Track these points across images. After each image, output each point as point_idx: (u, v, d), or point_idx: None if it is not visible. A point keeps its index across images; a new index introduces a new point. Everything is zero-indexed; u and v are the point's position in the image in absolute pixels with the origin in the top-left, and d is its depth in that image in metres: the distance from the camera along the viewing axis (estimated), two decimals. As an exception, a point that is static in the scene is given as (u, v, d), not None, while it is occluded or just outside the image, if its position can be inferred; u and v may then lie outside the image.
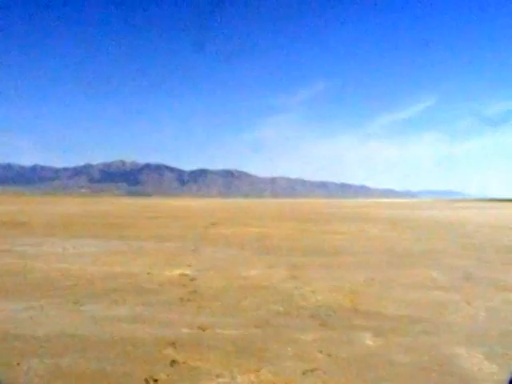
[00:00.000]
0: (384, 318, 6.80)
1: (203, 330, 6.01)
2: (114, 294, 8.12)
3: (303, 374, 4.70)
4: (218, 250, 14.38)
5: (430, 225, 30.00)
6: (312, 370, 4.76)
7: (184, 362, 4.93)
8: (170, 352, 5.20)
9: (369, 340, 5.77)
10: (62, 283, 8.98)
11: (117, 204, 75.36)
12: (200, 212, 47.38)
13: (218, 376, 4.59)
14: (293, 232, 22.33)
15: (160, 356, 5.10)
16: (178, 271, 10.32)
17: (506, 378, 4.55)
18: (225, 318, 6.66)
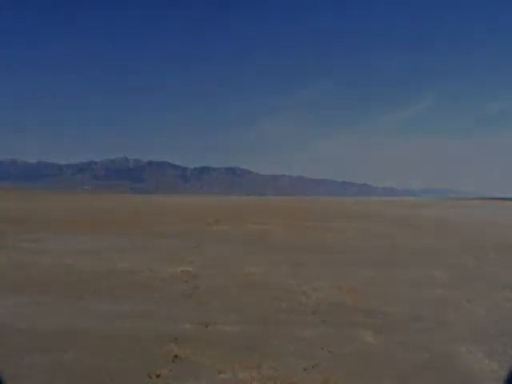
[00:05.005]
0: (385, 315, 6.83)
1: (205, 326, 6.05)
2: (117, 289, 8.18)
3: (304, 370, 4.73)
4: (220, 247, 14.43)
5: (430, 223, 29.98)
6: (313, 367, 4.80)
7: (186, 358, 4.97)
8: (172, 348, 5.25)
9: (369, 337, 5.80)
10: (66, 279, 9.04)
11: (119, 201, 75.54)
12: (203, 209, 47.45)
13: (219, 372, 4.63)
14: (295, 229, 22.36)
15: (162, 351, 5.14)
16: (180, 268, 10.37)
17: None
18: (227, 314, 6.71)
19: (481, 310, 7.13)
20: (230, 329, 6.00)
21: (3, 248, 13.18)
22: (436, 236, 20.08)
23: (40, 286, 8.31)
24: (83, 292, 7.88)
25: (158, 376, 4.51)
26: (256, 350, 5.27)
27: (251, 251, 13.65)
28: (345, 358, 5.10)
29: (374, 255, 13.21)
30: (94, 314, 6.58)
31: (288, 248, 14.52)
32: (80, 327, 5.98)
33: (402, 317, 6.77)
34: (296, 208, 55.75)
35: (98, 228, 20.54)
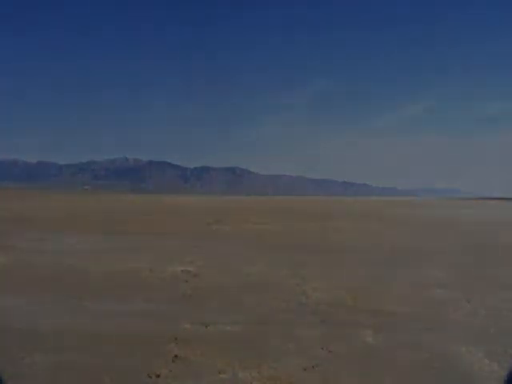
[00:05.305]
0: (384, 315, 6.83)
1: (205, 326, 6.06)
2: (117, 290, 8.19)
3: (304, 370, 4.73)
4: (220, 247, 14.43)
5: (430, 223, 29.99)
6: (313, 367, 4.80)
7: (186, 358, 4.97)
8: (172, 347, 5.25)
9: (369, 337, 5.80)
10: (66, 279, 9.05)
11: (120, 201, 75.51)
12: (202, 209, 47.44)
13: (219, 372, 4.63)
14: (294, 229, 22.37)
15: (162, 351, 5.14)
16: (180, 267, 10.37)
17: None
18: (227, 314, 6.71)
19: (481, 310, 7.13)
20: (229, 329, 6.00)
21: (3, 248, 13.18)
22: (436, 236, 20.09)
23: (40, 286, 8.31)
24: (83, 292, 7.89)
25: (158, 376, 4.52)
26: (256, 349, 5.27)
27: (251, 251, 13.65)
28: (345, 357, 5.10)
29: (374, 255, 13.21)
30: (94, 314, 6.58)
31: (288, 248, 14.52)
32: (80, 327, 5.98)
33: (402, 317, 6.77)
34: (296, 208, 55.74)
35: (98, 228, 20.54)
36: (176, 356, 5.00)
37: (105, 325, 6.10)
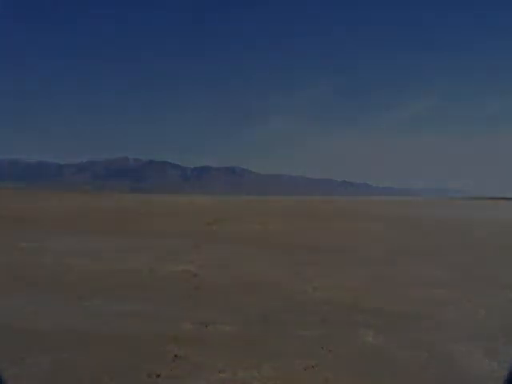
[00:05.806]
0: (385, 314, 6.83)
1: (205, 326, 6.05)
2: (117, 289, 8.18)
3: (305, 369, 4.73)
4: (220, 247, 14.42)
5: (430, 223, 29.98)
6: (313, 366, 4.79)
7: (186, 358, 4.97)
8: (172, 347, 5.24)
9: (370, 336, 5.80)
10: (66, 279, 9.04)
11: (120, 200, 75.47)
12: (202, 209, 47.42)
13: (219, 371, 4.63)
14: (294, 229, 22.36)
15: (162, 351, 5.14)
16: (180, 267, 10.36)
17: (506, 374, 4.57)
18: (227, 313, 6.71)
19: (481, 310, 7.13)
20: (229, 328, 5.99)
21: (3, 248, 13.17)
22: (436, 236, 20.09)
23: (40, 286, 8.31)
24: (83, 292, 7.88)
25: (158, 376, 4.51)
26: (256, 349, 5.27)
27: (251, 251, 13.65)
28: (345, 357, 5.10)
29: (374, 255, 13.21)
30: (93, 314, 6.58)
31: (288, 248, 14.51)
32: (80, 327, 5.97)
33: (402, 316, 6.77)
34: (296, 208, 55.72)
35: (98, 228, 20.53)
36: (176, 356, 5.00)
37: (104, 325, 6.10)
